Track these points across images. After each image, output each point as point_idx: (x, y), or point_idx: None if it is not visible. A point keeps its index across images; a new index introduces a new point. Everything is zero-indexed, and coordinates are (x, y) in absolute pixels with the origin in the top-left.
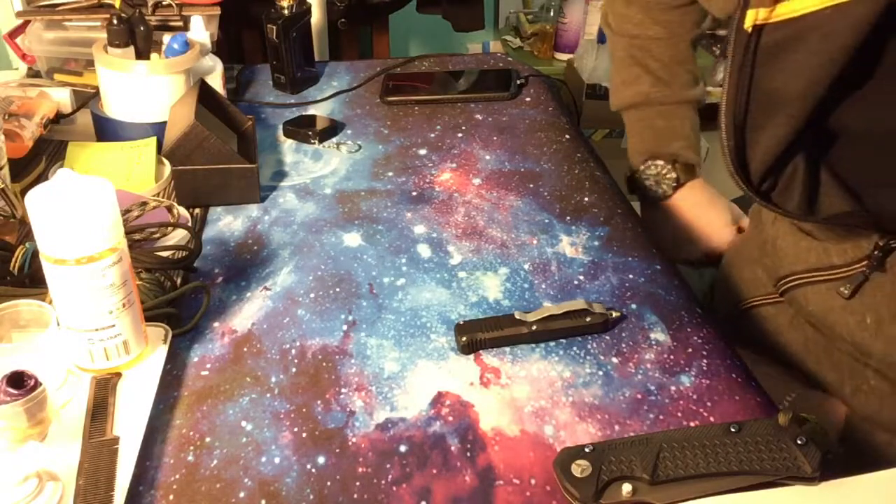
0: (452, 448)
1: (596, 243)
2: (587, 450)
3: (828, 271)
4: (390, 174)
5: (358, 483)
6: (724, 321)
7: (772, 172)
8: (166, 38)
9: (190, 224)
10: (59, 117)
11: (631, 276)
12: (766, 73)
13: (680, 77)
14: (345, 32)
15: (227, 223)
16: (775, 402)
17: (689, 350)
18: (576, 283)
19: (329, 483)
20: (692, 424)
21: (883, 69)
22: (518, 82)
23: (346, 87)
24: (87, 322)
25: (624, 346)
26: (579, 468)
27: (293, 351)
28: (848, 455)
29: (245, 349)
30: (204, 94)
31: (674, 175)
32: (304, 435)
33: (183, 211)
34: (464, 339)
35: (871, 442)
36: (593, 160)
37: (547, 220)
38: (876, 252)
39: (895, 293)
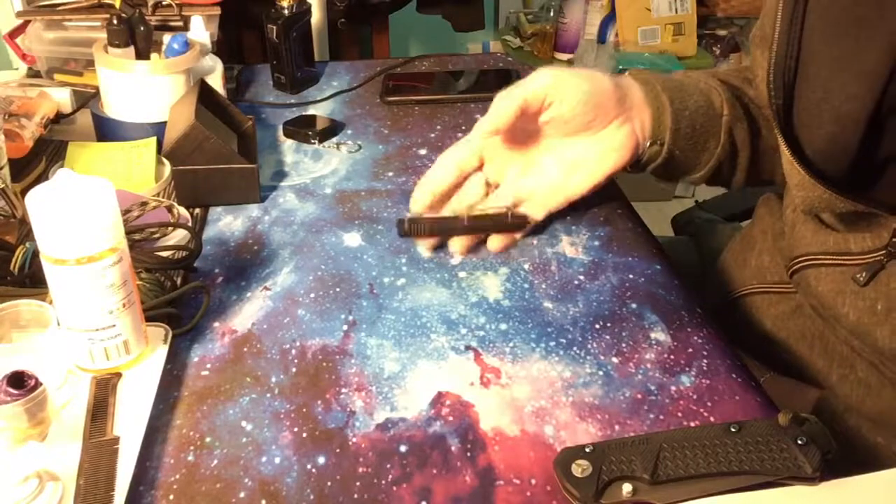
0: (452, 448)
1: (596, 243)
2: (587, 450)
3: (844, 256)
4: (390, 174)
5: (358, 483)
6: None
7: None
8: (166, 38)
9: (190, 224)
10: (59, 117)
11: (631, 276)
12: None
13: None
14: (345, 32)
15: (227, 223)
16: None
17: (689, 350)
18: (576, 283)
19: (329, 483)
20: (692, 424)
21: None
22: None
23: (346, 87)
24: (88, 322)
25: (624, 346)
26: (579, 468)
27: (293, 351)
28: None
29: (245, 349)
30: (204, 94)
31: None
32: (304, 435)
33: (183, 211)
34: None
35: (841, 425)
36: None
37: (547, 220)
38: (894, 239)
39: None
